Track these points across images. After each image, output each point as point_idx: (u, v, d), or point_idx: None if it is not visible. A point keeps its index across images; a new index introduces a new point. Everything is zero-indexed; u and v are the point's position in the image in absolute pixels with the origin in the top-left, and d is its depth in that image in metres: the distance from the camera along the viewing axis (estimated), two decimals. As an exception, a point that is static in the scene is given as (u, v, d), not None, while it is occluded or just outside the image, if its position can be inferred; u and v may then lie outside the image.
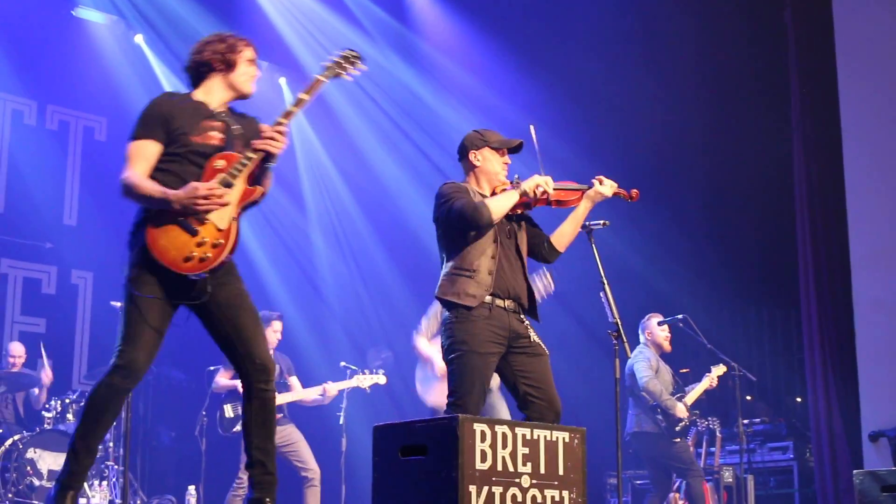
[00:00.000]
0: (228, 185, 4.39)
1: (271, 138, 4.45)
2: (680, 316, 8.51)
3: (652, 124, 10.89)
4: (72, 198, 11.04)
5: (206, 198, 4.31)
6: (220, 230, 4.37)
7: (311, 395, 8.86)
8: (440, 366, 7.25)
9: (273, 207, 11.74)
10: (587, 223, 5.51)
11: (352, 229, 12.22)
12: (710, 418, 8.85)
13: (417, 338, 7.79)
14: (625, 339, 5.59)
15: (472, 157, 5.33)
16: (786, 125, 9.88)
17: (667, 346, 8.67)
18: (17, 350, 9.41)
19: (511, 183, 5.27)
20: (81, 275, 10.96)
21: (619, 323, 5.54)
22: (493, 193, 5.29)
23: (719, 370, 8.64)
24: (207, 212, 4.35)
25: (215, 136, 4.50)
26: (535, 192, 5.19)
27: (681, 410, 8.45)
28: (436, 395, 7.57)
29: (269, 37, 11.34)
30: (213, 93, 4.60)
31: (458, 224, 5.12)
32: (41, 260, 10.68)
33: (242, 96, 4.66)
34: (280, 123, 4.49)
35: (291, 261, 11.96)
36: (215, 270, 4.38)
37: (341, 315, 11.98)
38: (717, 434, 8.83)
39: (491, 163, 5.33)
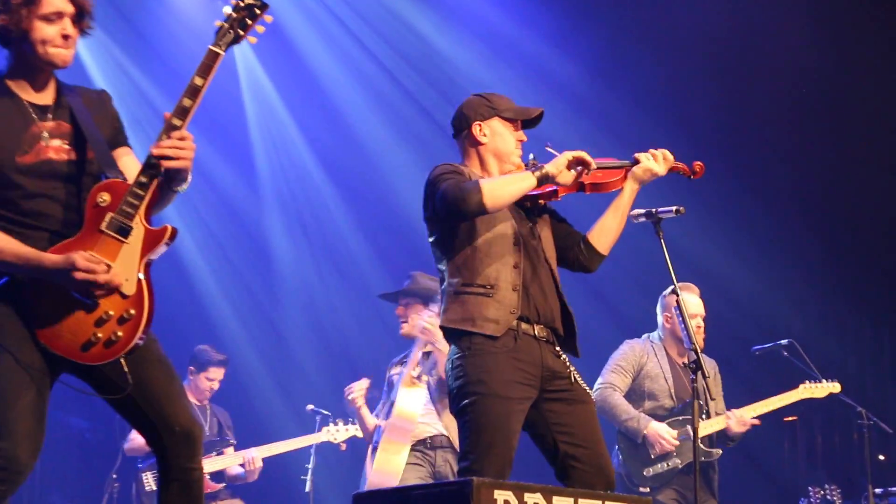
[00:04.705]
0: (124, 232, 3.50)
1: (173, 150, 3.48)
2: (784, 341, 7.48)
3: (753, 90, 9.69)
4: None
5: (85, 281, 3.42)
6: (125, 297, 3.50)
7: (229, 464, 7.64)
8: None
9: (219, 189, 10.15)
10: (654, 210, 4.84)
11: (325, 218, 10.47)
12: (826, 486, 7.65)
13: None
14: (703, 362, 4.86)
15: (475, 130, 4.46)
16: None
17: (698, 342, 5.88)
18: None
19: (526, 166, 4.45)
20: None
21: (695, 339, 4.88)
22: None
23: (824, 389, 7.10)
24: (92, 294, 3.47)
25: (54, 147, 3.57)
26: (566, 170, 4.25)
27: (655, 432, 6.53)
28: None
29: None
30: (23, 73, 3.60)
31: (444, 216, 4.27)
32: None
33: (56, 68, 3.63)
34: (174, 126, 3.51)
35: (240, 263, 10.34)
36: (132, 352, 3.53)
37: (310, 343, 10.30)
38: (837, 508, 7.60)
39: (502, 139, 4.48)
